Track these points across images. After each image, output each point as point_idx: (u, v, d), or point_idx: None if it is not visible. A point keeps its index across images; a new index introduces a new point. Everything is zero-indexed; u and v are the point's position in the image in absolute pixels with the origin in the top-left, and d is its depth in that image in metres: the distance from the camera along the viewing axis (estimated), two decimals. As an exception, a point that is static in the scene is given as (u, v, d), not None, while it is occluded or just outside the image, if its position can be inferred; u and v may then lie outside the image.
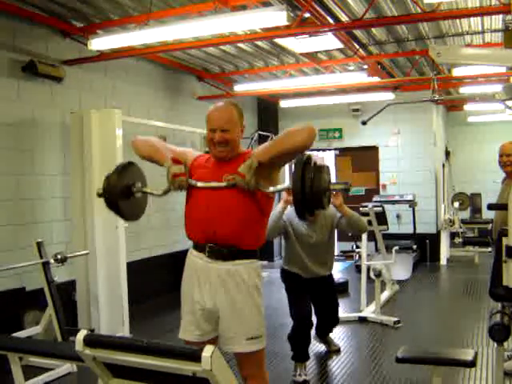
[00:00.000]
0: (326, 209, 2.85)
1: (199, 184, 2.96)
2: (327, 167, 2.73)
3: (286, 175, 11.79)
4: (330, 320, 5.34)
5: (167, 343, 1.93)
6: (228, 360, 1.97)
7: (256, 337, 2.91)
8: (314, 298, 5.01)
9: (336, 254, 11.92)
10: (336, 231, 5.05)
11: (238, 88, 9.22)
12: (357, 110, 11.27)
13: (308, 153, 2.70)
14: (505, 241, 2.90)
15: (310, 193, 2.61)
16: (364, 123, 6.34)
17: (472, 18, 6.90)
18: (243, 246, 2.92)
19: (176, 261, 8.06)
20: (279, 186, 2.88)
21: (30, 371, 4.72)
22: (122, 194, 3.02)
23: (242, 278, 2.90)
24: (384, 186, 11.54)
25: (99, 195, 3.02)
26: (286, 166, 12.45)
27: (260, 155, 2.82)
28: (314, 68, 9.08)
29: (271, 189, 2.88)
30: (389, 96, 9.85)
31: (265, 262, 10.26)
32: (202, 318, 2.96)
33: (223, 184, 2.86)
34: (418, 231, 10.85)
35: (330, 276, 5.15)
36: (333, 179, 3.13)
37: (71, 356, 3.60)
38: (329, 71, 9.00)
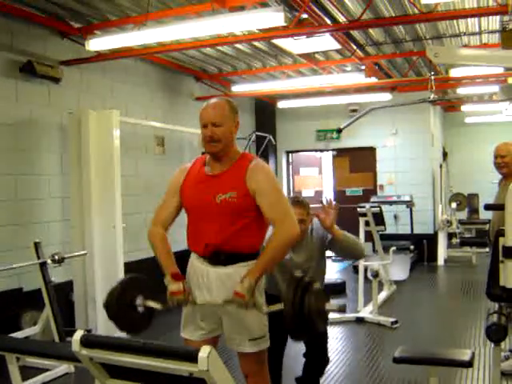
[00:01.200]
0: (321, 331, 2.76)
1: (198, 301, 2.96)
2: (319, 289, 2.67)
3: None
4: (315, 360, 4.17)
5: (164, 344, 1.93)
6: (225, 360, 1.97)
7: (259, 337, 2.93)
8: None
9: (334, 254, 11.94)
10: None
11: (236, 89, 9.22)
12: (354, 111, 11.26)
13: (300, 274, 2.68)
14: (502, 241, 2.90)
15: (301, 317, 2.55)
16: (339, 131, 6.23)
17: (469, 19, 6.92)
18: (243, 251, 2.94)
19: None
20: (274, 307, 2.84)
21: (28, 372, 4.73)
22: (124, 310, 2.98)
23: (241, 277, 2.88)
24: (381, 187, 11.56)
25: (103, 306, 3.01)
26: (284, 176, 12.43)
27: (255, 275, 2.79)
28: (312, 69, 9.09)
29: (266, 310, 2.86)
30: (386, 97, 9.87)
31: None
32: (204, 319, 3.00)
33: (219, 303, 2.86)
34: (415, 232, 10.87)
35: None
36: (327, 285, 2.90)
37: (68, 356, 3.59)
38: (326, 72, 9.01)
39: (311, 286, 2.61)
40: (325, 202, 3.75)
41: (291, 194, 12.55)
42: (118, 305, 2.94)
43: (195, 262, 3.01)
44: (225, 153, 2.97)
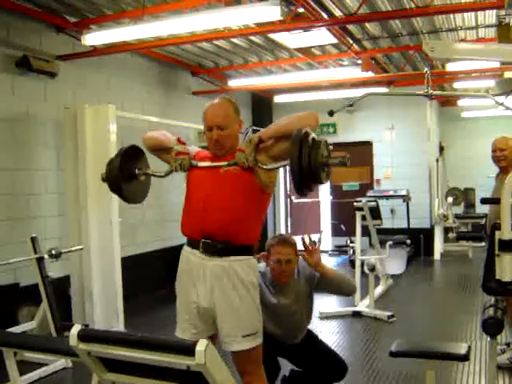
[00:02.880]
0: (324, 183, 2.75)
1: (200, 164, 2.99)
2: (325, 141, 2.69)
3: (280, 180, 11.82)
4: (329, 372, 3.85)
5: (161, 337, 1.93)
6: (222, 354, 1.98)
7: (252, 333, 2.90)
8: (293, 362, 4.01)
9: (330, 249, 11.98)
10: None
11: (233, 83, 9.21)
12: (351, 105, 11.24)
13: (306, 129, 2.67)
14: (498, 234, 2.91)
15: (307, 167, 2.57)
16: (331, 114, 6.17)
17: (466, 13, 6.92)
18: (239, 241, 2.91)
19: (170, 256, 8.06)
20: (277, 164, 2.86)
21: (25, 366, 4.72)
22: (125, 177, 3.05)
23: (236, 275, 2.88)
24: (378, 181, 11.58)
25: (103, 179, 3.08)
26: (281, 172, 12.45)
27: (263, 133, 2.88)
28: (308, 63, 9.09)
29: (269, 166, 2.87)
30: (382, 91, 9.86)
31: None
32: (197, 316, 2.96)
33: (224, 163, 2.91)
34: (411, 226, 10.88)
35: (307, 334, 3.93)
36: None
37: (66, 351, 3.60)
38: (323, 66, 9.00)
39: (315, 141, 2.64)
40: (307, 242, 3.53)
41: (288, 189, 12.55)
42: (119, 173, 3.02)
43: (190, 257, 2.98)
44: (230, 152, 2.96)
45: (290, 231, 12.45)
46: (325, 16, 6.24)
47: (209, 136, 2.95)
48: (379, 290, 7.69)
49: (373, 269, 6.78)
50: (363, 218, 7.48)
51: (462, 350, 3.35)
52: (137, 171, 3.09)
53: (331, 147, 2.72)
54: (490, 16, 7.05)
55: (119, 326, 6.02)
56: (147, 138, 3.21)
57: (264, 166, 2.85)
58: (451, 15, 6.97)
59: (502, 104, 6.60)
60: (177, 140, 3.02)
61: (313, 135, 2.66)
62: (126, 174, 3.06)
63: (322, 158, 2.63)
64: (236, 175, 2.88)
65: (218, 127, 2.91)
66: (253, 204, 2.93)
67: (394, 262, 8.88)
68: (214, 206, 2.89)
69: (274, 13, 4.98)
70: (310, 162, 2.58)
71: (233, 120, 2.97)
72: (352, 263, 8.82)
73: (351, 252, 9.87)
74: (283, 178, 12.53)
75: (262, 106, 11.72)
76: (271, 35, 7.31)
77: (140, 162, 3.14)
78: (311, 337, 3.97)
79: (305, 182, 2.66)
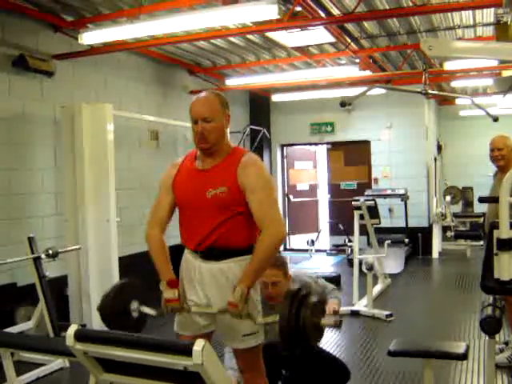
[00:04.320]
0: (314, 345, 2.69)
1: (193, 309, 2.92)
2: (316, 303, 2.59)
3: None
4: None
5: (158, 337, 1.92)
6: (220, 355, 1.97)
7: (252, 333, 2.89)
8: (295, 372, 3.85)
9: (328, 248, 11.97)
10: None
11: (230, 82, 9.21)
12: (349, 104, 11.23)
13: (297, 286, 2.61)
14: (496, 233, 2.90)
15: (296, 330, 2.50)
16: (343, 105, 6.17)
17: (464, 12, 6.91)
18: (237, 244, 2.90)
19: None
20: (269, 318, 2.82)
21: (23, 367, 4.72)
22: (116, 313, 2.94)
23: (234, 274, 2.86)
24: (376, 180, 11.57)
25: (97, 309, 2.99)
26: (279, 172, 12.40)
27: (247, 282, 2.75)
28: (306, 62, 9.08)
29: (260, 321, 2.83)
30: (380, 90, 9.84)
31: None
32: (196, 314, 2.95)
33: (214, 311, 2.85)
34: (409, 225, 10.87)
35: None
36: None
37: (63, 351, 3.59)
38: (320, 65, 8.99)
39: (307, 300, 2.55)
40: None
41: (286, 188, 12.55)
42: (112, 310, 2.92)
43: (188, 257, 2.98)
44: (216, 148, 2.92)
45: (287, 231, 12.42)
46: (322, 14, 6.23)
47: (194, 129, 2.92)
48: (377, 289, 7.68)
49: (371, 268, 6.77)
50: (361, 217, 7.48)
51: (461, 349, 3.34)
52: (131, 308, 2.96)
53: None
54: (488, 14, 7.04)
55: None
56: (148, 245, 3.10)
57: (256, 321, 2.81)
58: (449, 14, 6.97)
59: (478, 106, 6.63)
60: (167, 283, 2.92)
61: (304, 293, 2.56)
62: (118, 310, 2.94)
63: (312, 319, 2.54)
64: (224, 198, 2.84)
65: (203, 119, 2.86)
66: (247, 212, 2.87)
67: (392, 261, 8.89)
68: (206, 225, 2.87)
69: (271, 11, 4.97)
70: (298, 323, 2.49)
71: (219, 113, 2.91)
72: (350, 262, 8.83)
73: (349, 251, 9.88)
74: (281, 177, 12.53)
75: (259, 104, 11.72)
76: (269, 34, 7.29)
77: (135, 297, 3.00)
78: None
79: (293, 345, 2.59)
